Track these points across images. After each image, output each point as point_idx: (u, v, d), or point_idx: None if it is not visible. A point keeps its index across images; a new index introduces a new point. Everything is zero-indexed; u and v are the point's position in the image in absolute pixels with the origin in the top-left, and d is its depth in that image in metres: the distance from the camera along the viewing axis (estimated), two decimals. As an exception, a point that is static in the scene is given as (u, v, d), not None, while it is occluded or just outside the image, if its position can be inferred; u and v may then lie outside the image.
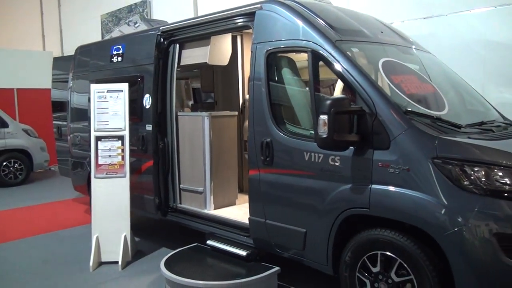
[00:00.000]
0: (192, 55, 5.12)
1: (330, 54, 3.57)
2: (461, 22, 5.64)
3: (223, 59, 5.16)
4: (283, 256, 4.07)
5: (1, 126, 9.93)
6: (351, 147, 3.38)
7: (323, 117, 3.22)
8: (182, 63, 5.21)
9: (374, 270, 3.32)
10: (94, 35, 10.74)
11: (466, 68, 5.18)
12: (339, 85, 4.17)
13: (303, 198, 3.76)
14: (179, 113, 5.25)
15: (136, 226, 5.51)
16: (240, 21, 4.41)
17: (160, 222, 5.69)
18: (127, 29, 10.33)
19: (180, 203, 5.34)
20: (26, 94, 12.25)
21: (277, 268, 4.15)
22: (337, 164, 3.49)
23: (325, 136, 3.22)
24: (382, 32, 4.36)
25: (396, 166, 3.17)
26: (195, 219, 5.04)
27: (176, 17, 5.54)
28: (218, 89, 6.48)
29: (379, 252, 3.28)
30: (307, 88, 3.76)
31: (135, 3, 10.45)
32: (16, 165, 10.20)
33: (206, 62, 4.97)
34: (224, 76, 6.33)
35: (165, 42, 5.20)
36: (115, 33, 10.11)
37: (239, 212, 5.02)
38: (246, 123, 5.74)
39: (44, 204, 8.33)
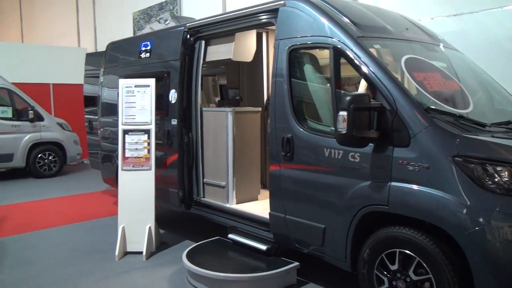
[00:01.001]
0: (217, 51, 5.19)
1: (352, 50, 3.57)
2: (491, 19, 5.50)
3: (248, 55, 5.21)
4: (302, 252, 4.09)
5: (37, 119, 10.32)
6: (370, 144, 3.37)
7: (343, 113, 3.23)
8: (207, 59, 5.30)
9: (392, 268, 3.30)
10: (126, 32, 11.00)
11: (496, 66, 5.04)
12: (363, 82, 4.16)
13: (322, 194, 3.78)
14: (203, 109, 5.34)
15: (161, 219, 5.65)
16: (263, 17, 4.45)
17: (183, 214, 5.81)
18: (157, 26, 10.54)
19: (204, 197, 5.43)
20: (61, 89, 12.69)
21: (296, 263, 4.18)
22: (356, 160, 3.49)
23: (344, 132, 3.22)
24: (407, 29, 4.30)
25: (416, 164, 3.14)
26: (217, 213, 5.12)
27: (206, 13, 5.62)
28: (244, 85, 6.54)
29: (397, 250, 3.26)
30: (329, 85, 3.76)
31: (166, 1, 10.65)
32: (50, 157, 10.59)
33: (230, 59, 5.03)
34: (250, 73, 6.38)
35: (191, 39, 5.29)
36: (146, 30, 10.35)
37: (260, 207, 5.07)
38: (270, 120, 5.80)
39: (75, 195, 8.64)
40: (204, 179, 5.39)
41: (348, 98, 3.21)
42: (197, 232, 5.83)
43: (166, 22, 10.46)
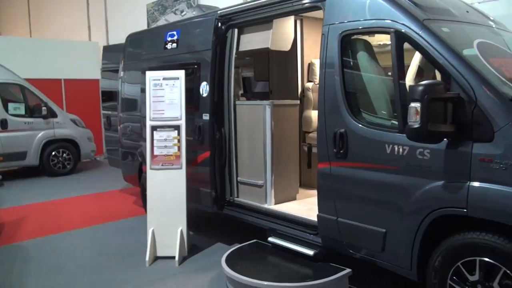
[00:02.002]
0: (252, 40, 4.82)
1: (418, 34, 3.18)
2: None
3: (286, 44, 4.83)
4: (353, 257, 3.74)
5: (50, 116, 10.00)
6: (444, 139, 2.99)
7: (415, 105, 2.86)
8: (241, 49, 4.93)
9: (471, 278, 2.93)
10: (140, 25, 10.60)
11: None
12: (412, 70, 3.78)
13: (383, 195, 3.41)
14: (237, 102, 4.98)
15: (189, 219, 5.29)
16: (308, 1, 4.06)
17: (212, 215, 5.46)
18: (173, 18, 10.20)
19: (238, 197, 5.08)
20: (72, 84, 12.36)
21: (348, 270, 3.82)
22: (426, 157, 3.11)
23: (417, 126, 2.85)
24: (467, 11, 3.91)
25: (502, 161, 2.76)
26: (254, 214, 4.76)
27: (225, 3, 5.23)
28: (274, 77, 6.16)
29: (477, 258, 2.89)
30: (389, 73, 3.38)
31: (182, -9, 10.27)
32: (64, 155, 10.28)
33: (259, 49, 4.65)
34: (280, 64, 6.00)
35: (223, 27, 4.92)
36: (161, 22, 10.00)
37: (301, 207, 4.71)
38: (307, 113, 5.43)
39: (93, 194, 8.31)
40: (238, 178, 5.04)
41: (421, 87, 2.84)
42: (228, 234, 5.50)
43: (183, 14, 10.11)
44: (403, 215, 3.26)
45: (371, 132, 3.46)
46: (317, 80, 5.51)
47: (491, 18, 4.22)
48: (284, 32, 4.76)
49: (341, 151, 3.65)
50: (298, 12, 4.41)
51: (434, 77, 3.99)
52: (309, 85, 5.50)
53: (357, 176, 3.57)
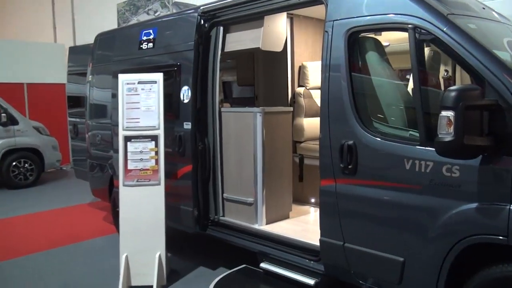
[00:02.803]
0: (240, 40, 4.29)
1: (443, 31, 2.73)
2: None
3: (278, 44, 4.33)
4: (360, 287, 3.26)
5: (10, 123, 9.14)
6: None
7: (447, 114, 2.39)
8: (227, 49, 4.39)
9: (513, 319, 2.48)
10: (109, 26, 9.88)
11: None
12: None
13: (401, 218, 2.93)
14: (222, 109, 4.42)
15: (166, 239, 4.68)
16: (306, -6, 3.57)
17: (193, 234, 4.86)
18: (146, 19, 9.54)
19: (223, 216, 4.51)
20: (36, 89, 11.47)
21: (356, 302, 3.32)
22: (455, 175, 2.65)
23: (450, 139, 2.39)
24: (483, 8, 3.50)
25: (553, 182, 2.32)
26: (243, 235, 4.21)
27: (204, 1, 4.68)
28: (260, 81, 5.64)
29: (521, 295, 2.44)
30: (408, 76, 2.92)
31: (155, -10, 9.65)
32: (26, 165, 9.43)
33: (258, 48, 4.14)
34: (267, 67, 5.50)
35: (206, 25, 4.37)
36: (133, 23, 9.31)
37: (296, 228, 4.20)
38: (298, 121, 4.94)
39: (58, 209, 7.54)
40: (224, 195, 4.48)
41: (455, 93, 2.38)
42: (212, 257, 4.92)
43: (156, 14, 9.49)
44: (427, 242, 2.79)
45: (386, 145, 2.98)
46: (309, 85, 5.03)
47: (503, 15, 3.84)
48: (276, 31, 4.25)
49: (349, 167, 3.15)
50: (294, 8, 3.92)
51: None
52: (301, 90, 5.01)
53: (369, 195, 3.08)
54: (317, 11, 5.06)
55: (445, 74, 3.74)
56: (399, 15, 2.92)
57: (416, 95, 2.80)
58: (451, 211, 2.67)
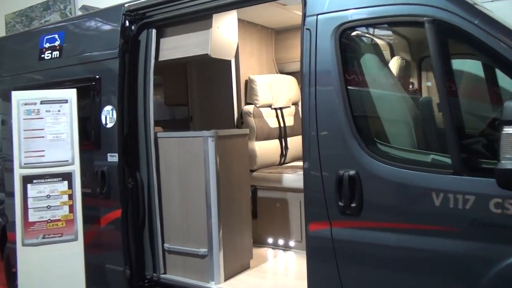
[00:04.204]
0: (180, 45, 3.36)
1: (475, 25, 2.10)
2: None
3: (230, 51, 3.47)
4: None
5: None
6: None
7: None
8: (162, 58, 3.43)
9: None
10: (-5, 40, 8.29)
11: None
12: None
13: (431, 272, 2.20)
14: (159, 135, 3.42)
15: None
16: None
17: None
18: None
19: (165, 273, 3.46)
20: None
21: None
22: (509, 212, 1.99)
23: (520, 165, 1.72)
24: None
25: None
26: (194, 299, 3.21)
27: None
28: (195, 99, 4.73)
29: None
30: (428, 84, 2.25)
31: (53, -1, 8.27)
32: None
33: (206, 55, 3.24)
34: (204, 81, 4.62)
35: (133, 27, 3.39)
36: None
37: (264, 282, 3.31)
38: (249, 145, 4.08)
39: None
40: (166, 245, 3.44)
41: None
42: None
43: (56, 25, 8.10)
44: (471, 301, 2.08)
45: (403, 174, 2.25)
46: (259, 102, 4.24)
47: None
48: (227, 34, 3.40)
49: (352, 205, 2.37)
50: (255, 2, 3.06)
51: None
52: (249, 108, 4.19)
53: (382, 242, 2.32)
54: (262, 16, 4.37)
55: (411, 87, 3.21)
56: (411, 5, 2.25)
57: (444, 108, 2.12)
58: (506, 261, 2.00)
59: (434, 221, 2.18)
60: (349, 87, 2.41)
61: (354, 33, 2.48)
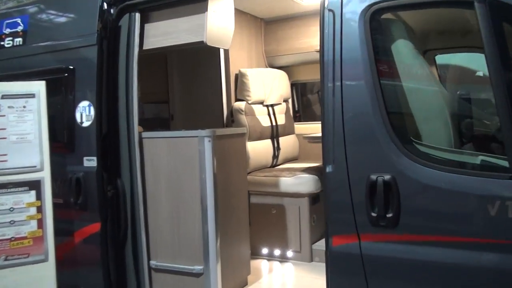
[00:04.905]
0: (169, 32, 2.92)
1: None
2: None
3: (226, 38, 3.04)
4: None
5: None
6: None
7: None
8: (147, 46, 2.98)
9: None
10: None
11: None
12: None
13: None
14: (144, 134, 2.97)
15: None
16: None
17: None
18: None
19: (152, 294, 3.01)
20: None
21: None
22: None
23: None
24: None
25: None
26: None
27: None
28: (176, 96, 4.27)
29: None
30: (479, 74, 1.94)
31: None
32: None
33: (202, 42, 2.81)
34: (188, 75, 4.17)
35: (112, 10, 2.92)
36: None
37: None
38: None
39: None
40: (152, 262, 2.98)
41: None
42: None
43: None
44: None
45: (450, 179, 1.93)
46: (251, 98, 3.85)
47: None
48: (224, 19, 2.98)
49: (388, 215, 2.03)
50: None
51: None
52: (241, 105, 3.79)
53: (423, 258, 1.99)
54: (251, 3, 3.99)
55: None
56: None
57: (502, 102, 1.81)
58: None
59: (488, 233, 1.87)
60: (382, 79, 2.06)
61: (388, 16, 2.13)
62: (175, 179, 2.89)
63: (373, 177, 2.05)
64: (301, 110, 4.78)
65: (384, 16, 2.12)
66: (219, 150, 2.83)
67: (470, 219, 1.91)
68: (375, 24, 2.08)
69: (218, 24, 2.89)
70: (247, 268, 3.21)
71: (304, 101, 4.90)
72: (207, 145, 2.76)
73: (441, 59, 2.97)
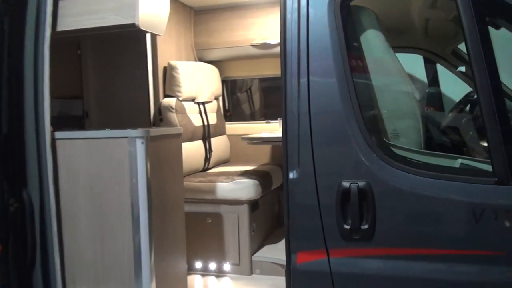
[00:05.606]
0: (91, 11, 2.42)
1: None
2: None
3: (161, 23, 2.61)
4: None
5: None
6: None
7: None
8: (62, 27, 2.45)
9: None
10: None
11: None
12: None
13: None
14: (58, 135, 2.43)
15: None
16: None
17: None
18: None
19: (67, 327, 2.48)
20: None
21: None
22: None
23: None
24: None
25: None
26: None
27: None
28: (92, 91, 3.70)
29: None
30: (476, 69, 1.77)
31: None
32: None
33: (133, 25, 2.36)
34: (106, 67, 3.63)
35: (15, -20, 2.36)
36: None
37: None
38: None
39: None
40: (69, 289, 2.46)
41: None
42: None
43: None
44: None
45: (430, 185, 1.74)
46: (181, 95, 3.46)
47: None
48: (158, 2, 2.54)
49: (363, 227, 1.79)
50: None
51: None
52: (171, 102, 3.37)
53: (403, 274, 1.78)
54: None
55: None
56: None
57: (486, 102, 1.66)
58: None
59: (473, 244, 1.71)
60: (355, 74, 1.82)
61: (354, 6, 1.90)
62: (98, 188, 2.40)
63: (346, 184, 1.80)
64: (232, 109, 4.46)
65: (355, 7, 1.89)
66: (152, 152, 2.40)
67: (454, 229, 1.74)
68: (346, 13, 1.83)
69: (152, 5, 2.46)
70: (184, 285, 2.81)
71: (234, 100, 4.59)
72: (140, 147, 2.32)
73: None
